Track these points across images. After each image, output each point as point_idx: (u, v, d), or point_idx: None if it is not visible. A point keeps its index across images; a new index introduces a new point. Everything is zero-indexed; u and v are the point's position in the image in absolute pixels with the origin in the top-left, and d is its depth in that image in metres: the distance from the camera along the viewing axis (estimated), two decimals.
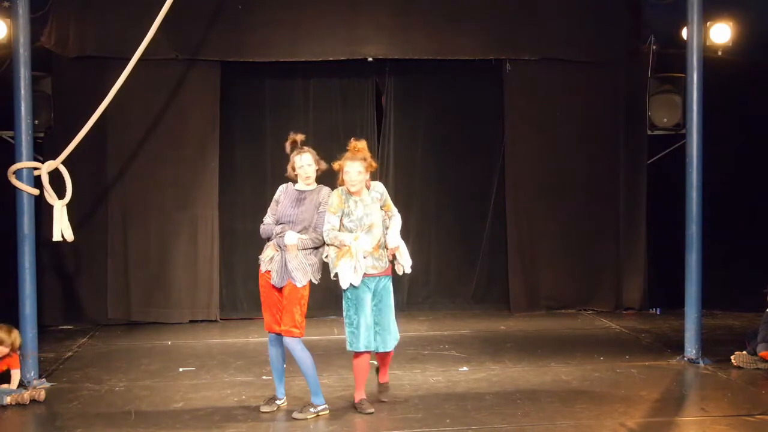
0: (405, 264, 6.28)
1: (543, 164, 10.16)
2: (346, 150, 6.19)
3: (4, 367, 6.78)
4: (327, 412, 6.11)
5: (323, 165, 6.21)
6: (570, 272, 10.23)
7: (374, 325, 6.17)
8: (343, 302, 6.18)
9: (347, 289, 6.09)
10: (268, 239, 6.16)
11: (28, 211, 6.98)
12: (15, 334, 6.80)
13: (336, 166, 6.19)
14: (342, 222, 6.12)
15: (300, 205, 6.11)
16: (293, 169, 6.19)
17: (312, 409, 6.06)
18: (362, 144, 6.20)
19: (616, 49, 10.09)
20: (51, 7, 9.23)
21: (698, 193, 7.60)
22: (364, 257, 6.06)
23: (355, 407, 6.24)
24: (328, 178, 6.32)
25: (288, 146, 6.19)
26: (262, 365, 7.52)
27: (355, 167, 6.10)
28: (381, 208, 6.24)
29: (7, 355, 6.74)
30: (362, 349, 6.14)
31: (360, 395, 6.28)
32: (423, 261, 9.99)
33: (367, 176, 6.19)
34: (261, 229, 6.22)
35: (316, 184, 6.22)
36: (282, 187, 6.28)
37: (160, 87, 9.62)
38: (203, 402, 6.52)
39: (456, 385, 6.94)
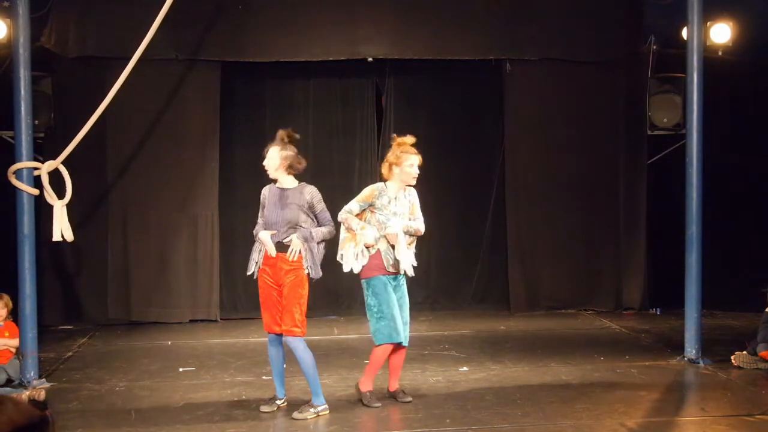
0: (401, 262, 6.16)
1: (543, 164, 10.15)
2: (390, 145, 6.29)
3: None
4: (327, 412, 6.10)
5: None
6: (570, 272, 10.22)
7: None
8: (370, 298, 6.19)
9: (371, 281, 6.14)
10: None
11: (28, 211, 6.98)
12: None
13: (393, 158, 6.20)
14: (374, 213, 6.16)
15: (284, 206, 6.04)
16: (291, 161, 6.04)
17: (312, 409, 6.06)
18: (411, 139, 6.25)
19: (616, 49, 10.07)
20: (51, 7, 9.22)
21: (698, 193, 7.59)
22: (367, 248, 6.11)
23: (361, 399, 6.29)
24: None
25: (286, 137, 6.08)
26: (262, 365, 7.51)
27: (417, 161, 6.20)
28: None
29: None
30: (398, 340, 6.15)
31: (368, 386, 6.31)
32: (423, 261, 9.89)
33: None
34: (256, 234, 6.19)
35: (297, 181, 6.18)
36: (265, 190, 6.20)
37: (160, 87, 9.61)
38: (203, 402, 6.51)
39: (456, 385, 6.94)
